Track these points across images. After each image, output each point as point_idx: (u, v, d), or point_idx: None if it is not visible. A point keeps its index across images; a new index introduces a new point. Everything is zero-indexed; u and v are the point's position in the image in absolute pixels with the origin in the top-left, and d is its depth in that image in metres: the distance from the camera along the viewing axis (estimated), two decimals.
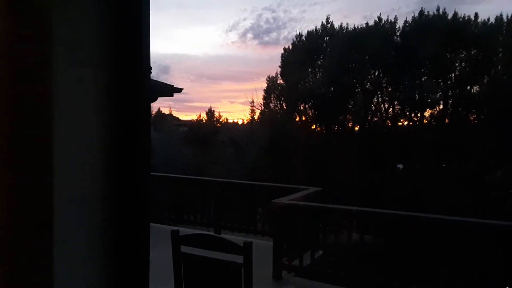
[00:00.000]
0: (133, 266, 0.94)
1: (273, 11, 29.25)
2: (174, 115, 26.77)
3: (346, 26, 15.95)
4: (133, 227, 0.93)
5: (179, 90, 8.07)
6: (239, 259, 2.20)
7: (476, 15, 14.03)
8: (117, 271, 0.92)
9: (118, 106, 0.90)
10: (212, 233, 5.89)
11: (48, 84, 0.74)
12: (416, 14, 14.77)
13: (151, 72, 1.00)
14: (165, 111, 26.15)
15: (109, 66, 0.88)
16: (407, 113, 14.50)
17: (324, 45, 16.24)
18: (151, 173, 7.52)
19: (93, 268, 0.88)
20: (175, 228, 2.59)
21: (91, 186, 0.86)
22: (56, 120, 0.75)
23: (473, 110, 13.78)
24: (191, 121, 24.13)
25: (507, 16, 13.64)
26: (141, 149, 0.93)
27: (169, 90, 8.00)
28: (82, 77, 0.83)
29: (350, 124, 15.51)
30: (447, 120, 14.09)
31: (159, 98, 8.42)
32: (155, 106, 24.50)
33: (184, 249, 2.37)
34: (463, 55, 13.86)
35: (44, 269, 0.74)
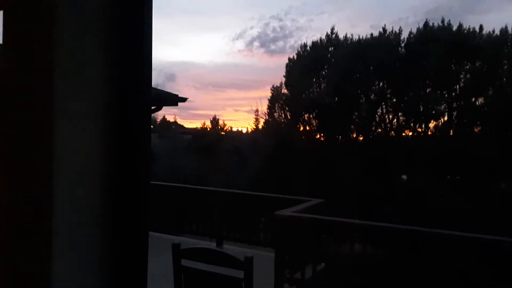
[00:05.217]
0: (131, 275, 0.93)
1: (280, 20, 29.45)
2: (179, 122, 26.98)
3: (350, 36, 16.03)
4: (132, 235, 0.92)
5: (183, 100, 8.11)
6: (240, 273, 2.20)
7: (481, 27, 14.06)
8: (115, 279, 0.91)
9: (119, 110, 0.89)
10: (213, 247, 5.86)
11: (49, 86, 0.74)
12: (421, 26, 14.81)
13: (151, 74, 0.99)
14: (170, 118, 26.37)
15: (111, 70, 0.88)
16: (412, 124, 14.46)
17: (329, 55, 16.29)
18: (155, 182, 7.55)
19: (90, 277, 0.87)
20: (177, 238, 2.58)
21: (90, 191, 0.85)
22: (56, 122, 0.75)
23: (478, 122, 13.73)
24: (195, 129, 24.25)
25: None
26: (141, 154, 0.92)
27: (174, 100, 8.05)
28: (84, 79, 0.83)
29: (354, 135, 15.48)
30: (451, 132, 14.04)
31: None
32: (160, 114, 24.67)
33: (185, 262, 2.37)
34: (467, 66, 13.86)
35: (42, 275, 0.74)
